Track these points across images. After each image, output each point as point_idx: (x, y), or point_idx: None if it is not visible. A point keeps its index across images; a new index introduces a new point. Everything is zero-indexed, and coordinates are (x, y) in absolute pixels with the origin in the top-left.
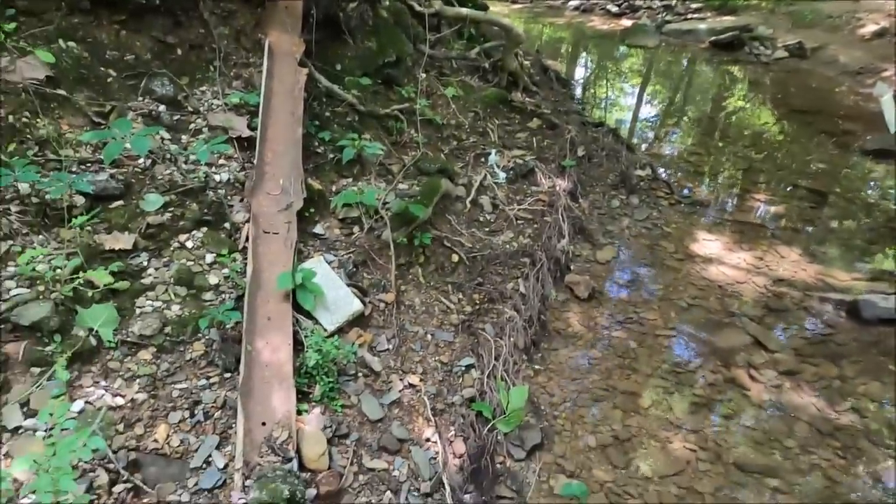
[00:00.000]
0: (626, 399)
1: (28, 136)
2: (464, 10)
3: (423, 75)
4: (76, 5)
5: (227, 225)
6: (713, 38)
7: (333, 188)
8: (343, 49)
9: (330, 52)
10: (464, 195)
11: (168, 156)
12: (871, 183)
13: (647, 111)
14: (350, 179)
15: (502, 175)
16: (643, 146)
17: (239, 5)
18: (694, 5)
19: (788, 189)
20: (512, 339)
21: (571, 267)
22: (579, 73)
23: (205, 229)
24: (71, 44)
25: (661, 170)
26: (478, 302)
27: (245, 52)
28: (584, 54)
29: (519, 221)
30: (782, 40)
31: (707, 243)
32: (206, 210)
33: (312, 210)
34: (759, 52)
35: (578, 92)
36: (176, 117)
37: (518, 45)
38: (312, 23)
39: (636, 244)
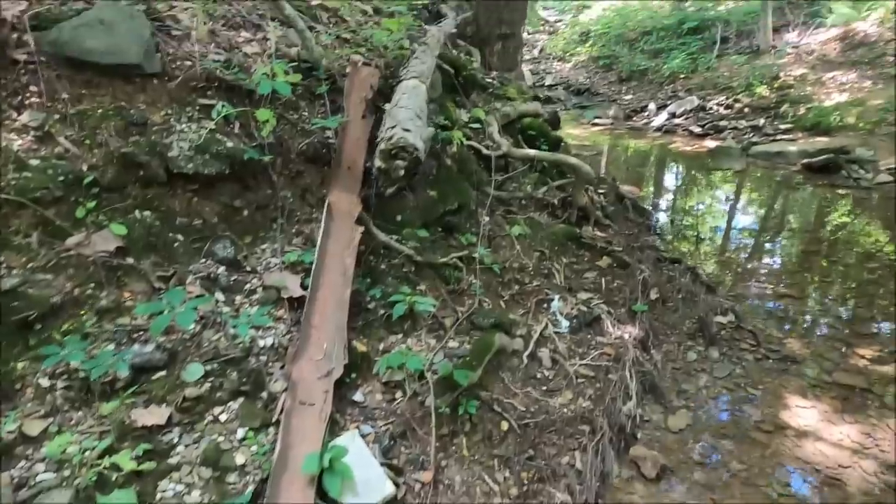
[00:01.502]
0: None
1: (89, 307)
2: (531, 152)
3: (487, 219)
4: (154, 178)
5: (264, 395)
6: (805, 160)
7: (381, 346)
8: (403, 202)
9: (390, 206)
10: (521, 348)
11: (218, 319)
12: None
13: (733, 243)
14: (400, 335)
15: (565, 324)
16: (727, 286)
17: (306, 166)
18: (783, 126)
19: None
20: None
21: (638, 435)
22: (658, 199)
23: (241, 400)
24: (146, 213)
25: (747, 316)
26: (526, 481)
27: (310, 208)
28: (664, 178)
29: (580, 379)
30: (885, 163)
31: (801, 411)
32: (244, 379)
33: (354, 375)
34: (858, 176)
35: (656, 221)
36: (234, 278)
37: (587, 183)
38: (373, 180)
39: (716, 409)
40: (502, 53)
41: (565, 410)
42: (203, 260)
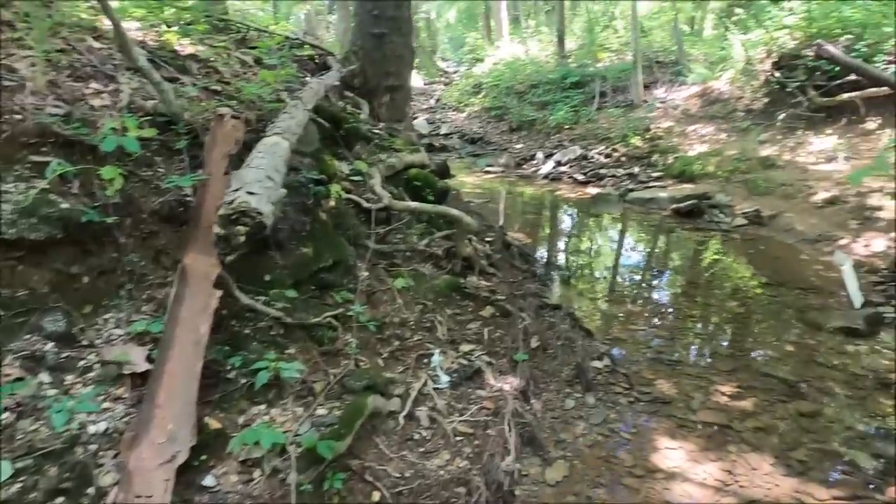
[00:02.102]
0: None
1: None
2: (413, 204)
3: (366, 273)
4: None
5: (90, 490)
6: (674, 205)
7: (241, 420)
8: (272, 261)
9: (258, 266)
10: (398, 409)
11: (39, 405)
12: (842, 368)
13: (611, 287)
14: (264, 406)
15: (445, 379)
16: (604, 329)
17: (161, 226)
18: (655, 174)
19: (756, 380)
20: None
21: (516, 492)
22: (544, 246)
23: (60, 500)
24: None
25: (622, 359)
26: None
27: (164, 271)
28: (550, 225)
29: (459, 437)
30: (740, 207)
31: (670, 453)
32: (66, 475)
33: (205, 456)
34: (719, 220)
35: (541, 268)
36: (65, 355)
37: (469, 233)
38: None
39: (591, 457)
40: (390, 105)
41: (442, 473)
42: (27, 336)
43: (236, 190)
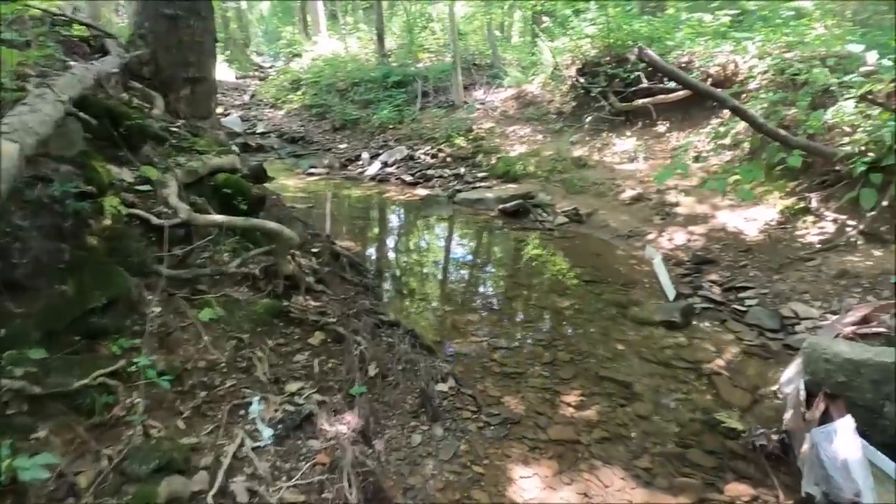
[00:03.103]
0: None
1: None
2: (219, 218)
3: (157, 310)
4: None
5: None
6: (501, 206)
7: None
8: (4, 310)
9: None
10: (205, 487)
11: None
12: (667, 363)
13: (448, 294)
14: None
15: (268, 433)
16: (446, 345)
17: None
18: (480, 174)
19: (596, 385)
20: None
21: None
22: (376, 254)
23: None
24: None
25: (466, 377)
26: None
27: None
28: (381, 230)
29: None
30: (560, 206)
31: (525, 483)
32: None
33: None
34: (543, 219)
35: (375, 279)
36: None
37: (290, 248)
38: None
39: (444, 502)
40: (192, 99)
41: None
42: None
43: None
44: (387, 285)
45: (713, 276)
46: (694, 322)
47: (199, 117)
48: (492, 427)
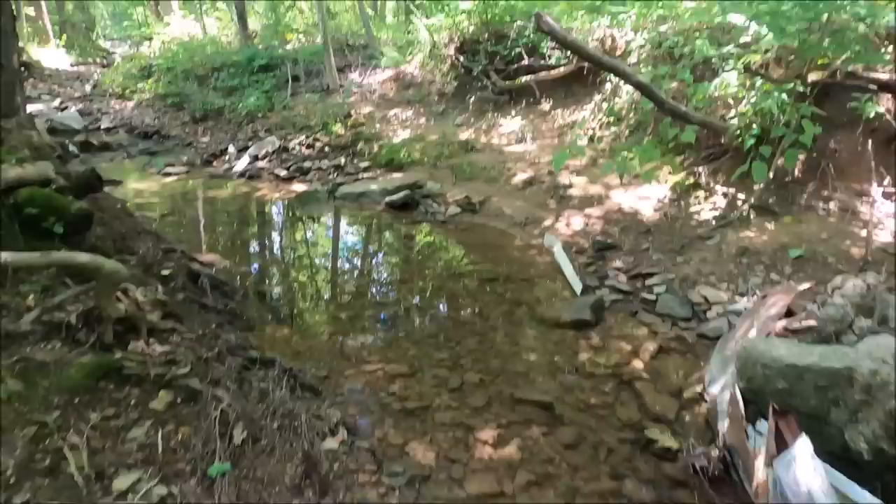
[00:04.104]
0: None
1: None
2: (3, 255)
3: None
4: None
5: None
6: (388, 198)
7: None
8: None
9: None
10: None
11: None
12: (585, 372)
13: (333, 312)
14: None
15: None
16: (334, 380)
17: None
18: (363, 164)
19: (512, 411)
20: None
21: None
22: (245, 267)
23: None
24: None
25: (362, 423)
26: None
27: None
28: (251, 237)
29: None
30: (451, 195)
31: None
32: None
33: None
34: (434, 211)
35: (243, 301)
36: None
37: (119, 285)
38: None
39: None
40: None
41: None
42: None
43: None
44: (260, 308)
45: (617, 263)
46: (606, 318)
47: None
48: (397, 491)
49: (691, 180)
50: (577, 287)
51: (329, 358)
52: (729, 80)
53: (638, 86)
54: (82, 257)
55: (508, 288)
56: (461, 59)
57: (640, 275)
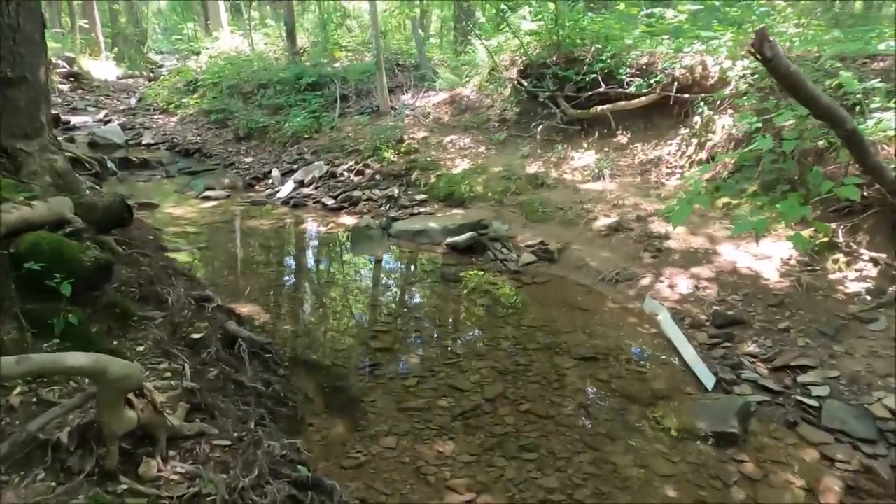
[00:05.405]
0: None
1: None
2: None
3: None
4: None
5: None
6: (450, 239)
7: None
8: None
9: None
10: None
11: None
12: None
13: (403, 406)
14: None
15: None
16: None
17: None
18: (418, 196)
19: None
20: None
21: None
22: (289, 324)
23: None
24: None
25: None
26: None
27: None
28: (296, 285)
29: None
30: (522, 238)
31: None
32: None
33: None
34: (505, 258)
35: (289, 375)
36: None
37: (127, 391)
38: None
39: None
40: (8, 110)
41: None
42: None
43: None
44: (308, 387)
45: (751, 347)
46: (756, 432)
47: (19, 136)
48: None
49: (822, 238)
50: (708, 381)
51: (402, 479)
52: (888, 121)
53: (847, 136)
54: (78, 360)
55: (612, 373)
56: (525, 83)
57: (787, 367)
